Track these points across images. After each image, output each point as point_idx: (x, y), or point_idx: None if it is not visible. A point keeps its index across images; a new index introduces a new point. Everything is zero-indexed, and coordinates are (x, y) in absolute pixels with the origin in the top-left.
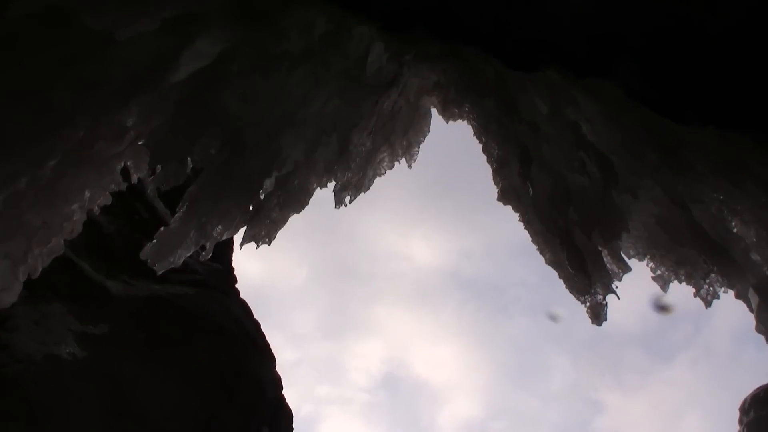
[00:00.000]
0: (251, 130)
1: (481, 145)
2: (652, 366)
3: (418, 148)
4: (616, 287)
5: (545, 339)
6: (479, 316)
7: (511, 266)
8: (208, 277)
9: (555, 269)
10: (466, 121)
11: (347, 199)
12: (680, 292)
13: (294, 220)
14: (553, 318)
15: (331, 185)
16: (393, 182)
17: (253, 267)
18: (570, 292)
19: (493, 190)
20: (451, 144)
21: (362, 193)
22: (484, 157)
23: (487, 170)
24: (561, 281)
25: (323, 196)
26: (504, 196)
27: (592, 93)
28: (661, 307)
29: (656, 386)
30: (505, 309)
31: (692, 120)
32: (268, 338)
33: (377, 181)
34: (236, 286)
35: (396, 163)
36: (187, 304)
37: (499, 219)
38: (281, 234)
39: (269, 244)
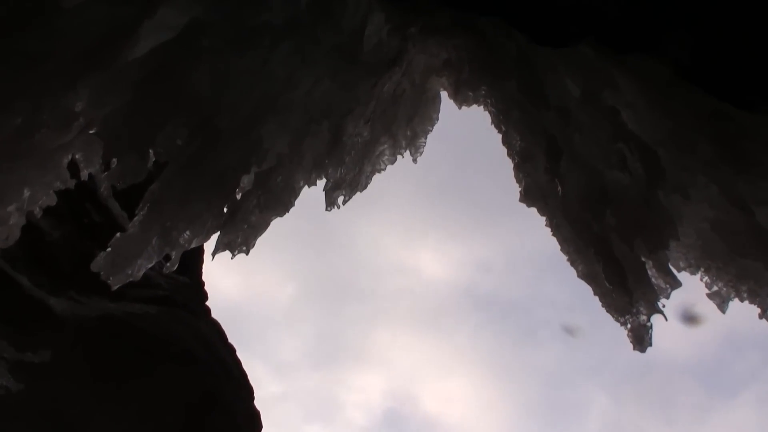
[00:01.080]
0: (225, 117)
1: (500, 136)
2: (710, 403)
3: (425, 139)
4: (663, 306)
5: (580, 369)
6: (500, 342)
7: (538, 282)
8: (174, 292)
9: (589, 284)
10: (482, 107)
11: (340, 199)
12: (743, 313)
13: (277, 224)
14: (571, 332)
15: (322, 183)
16: (395, 181)
17: (228, 281)
18: (607, 311)
19: (516, 190)
20: (465, 135)
21: (358, 193)
22: (505, 150)
23: (508, 166)
24: (596, 299)
25: (312, 196)
26: (527, 197)
27: (635, 73)
28: (690, 318)
29: (715, 427)
30: (531, 333)
31: (758, 105)
32: (245, 366)
33: (376, 178)
34: (207, 303)
35: (399, 157)
36: (148, 325)
37: (524, 225)
38: (262, 241)
39: (247, 254)
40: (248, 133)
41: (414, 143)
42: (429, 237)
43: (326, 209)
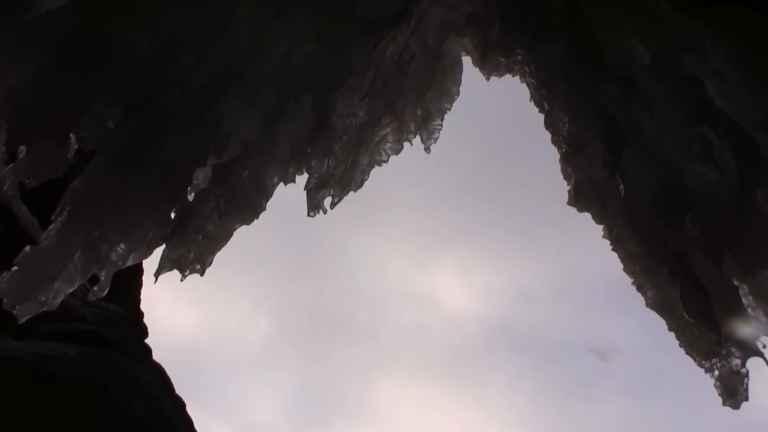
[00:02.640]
0: (173, 90)
1: (542, 117)
2: None
3: (441, 120)
4: (765, 347)
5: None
6: (547, 396)
7: (596, 315)
8: (102, 327)
9: (662, 316)
10: (519, 78)
11: (327, 201)
12: None
13: (244, 235)
14: (602, 356)
15: (303, 179)
16: (403, 178)
17: (177, 312)
18: (687, 353)
19: (563, 189)
20: (496, 115)
21: (351, 193)
22: (548, 136)
23: (553, 157)
24: (672, 336)
25: (291, 196)
26: (579, 199)
27: (725, 30)
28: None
29: None
30: (588, 384)
31: None
32: (200, 428)
33: (376, 174)
34: (148, 342)
35: (406, 145)
36: (67, 371)
37: (576, 237)
38: (223, 258)
39: (202, 274)
40: (204, 113)
41: (426, 126)
42: (450, 256)
43: (308, 215)
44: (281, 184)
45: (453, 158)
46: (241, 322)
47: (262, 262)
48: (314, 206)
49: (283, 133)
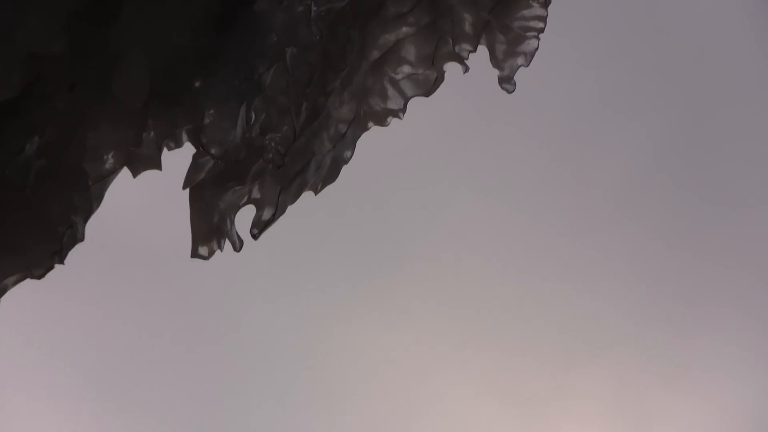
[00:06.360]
0: None
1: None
2: None
3: (545, 7)
4: None
5: None
6: None
7: None
8: None
9: None
10: None
11: (246, 218)
12: None
13: (42, 315)
14: None
15: (183, 163)
16: (453, 167)
17: None
18: None
19: None
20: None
21: (310, 195)
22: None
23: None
24: None
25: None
26: None
27: None
28: None
29: None
30: None
31: None
32: None
33: (380, 156)
34: None
35: (452, 72)
36: None
37: None
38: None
39: None
40: None
41: (506, 22)
42: (593, 380)
43: (194, 254)
44: (125, 170)
45: (582, 111)
46: None
47: (93, 384)
48: (210, 232)
49: (129, 38)
